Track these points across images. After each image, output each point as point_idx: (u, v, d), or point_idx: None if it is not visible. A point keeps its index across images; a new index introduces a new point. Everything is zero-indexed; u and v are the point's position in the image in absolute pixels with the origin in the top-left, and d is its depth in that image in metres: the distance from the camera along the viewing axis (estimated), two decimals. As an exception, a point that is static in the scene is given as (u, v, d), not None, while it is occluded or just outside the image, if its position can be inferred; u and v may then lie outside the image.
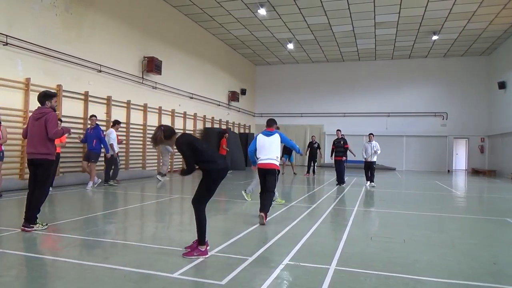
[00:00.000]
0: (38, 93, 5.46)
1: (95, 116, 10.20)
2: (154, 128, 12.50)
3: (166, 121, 15.79)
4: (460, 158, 25.09)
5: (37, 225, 5.13)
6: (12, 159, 9.27)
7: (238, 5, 15.46)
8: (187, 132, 16.00)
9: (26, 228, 5.02)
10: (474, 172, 21.96)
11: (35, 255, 4.04)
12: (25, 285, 3.23)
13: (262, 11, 15.55)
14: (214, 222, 6.32)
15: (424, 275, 3.67)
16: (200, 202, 4.23)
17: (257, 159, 6.38)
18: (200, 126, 18.78)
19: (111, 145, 10.36)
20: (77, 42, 11.25)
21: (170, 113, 16.12)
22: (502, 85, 19.41)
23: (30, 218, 5.10)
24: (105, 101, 12.35)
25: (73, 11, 11.06)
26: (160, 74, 14.80)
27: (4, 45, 9.04)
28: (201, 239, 4.10)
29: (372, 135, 12.40)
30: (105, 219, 6.23)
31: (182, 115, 17.09)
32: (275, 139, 6.37)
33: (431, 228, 6.11)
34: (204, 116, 19.18)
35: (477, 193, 12.24)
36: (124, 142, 12.79)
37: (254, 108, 26.59)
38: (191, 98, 17.86)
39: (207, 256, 4.03)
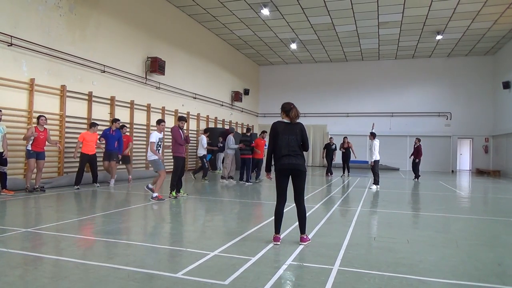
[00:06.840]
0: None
1: (119, 120, 11.23)
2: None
3: (170, 121, 15.83)
4: (464, 158, 24.96)
5: (182, 193, 8.61)
6: (18, 159, 9.34)
7: (241, 5, 15.47)
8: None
9: (170, 196, 8.36)
10: (479, 172, 21.84)
11: (39, 254, 4.05)
12: (29, 284, 3.24)
13: (265, 11, 15.55)
14: (217, 222, 6.33)
15: (429, 276, 3.65)
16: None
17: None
18: (203, 126, 18.81)
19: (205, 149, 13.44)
20: (81, 42, 11.30)
21: (173, 113, 16.15)
22: (506, 85, 19.29)
23: (178, 189, 8.49)
24: (108, 101, 12.39)
25: (77, 12, 11.11)
26: (164, 74, 14.84)
27: (8, 45, 9.09)
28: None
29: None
30: (109, 218, 6.24)
31: (185, 115, 17.11)
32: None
33: (436, 229, 6.07)
34: (207, 116, 19.21)
35: (481, 193, 12.16)
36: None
37: (257, 108, 26.58)
38: (194, 98, 17.89)
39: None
